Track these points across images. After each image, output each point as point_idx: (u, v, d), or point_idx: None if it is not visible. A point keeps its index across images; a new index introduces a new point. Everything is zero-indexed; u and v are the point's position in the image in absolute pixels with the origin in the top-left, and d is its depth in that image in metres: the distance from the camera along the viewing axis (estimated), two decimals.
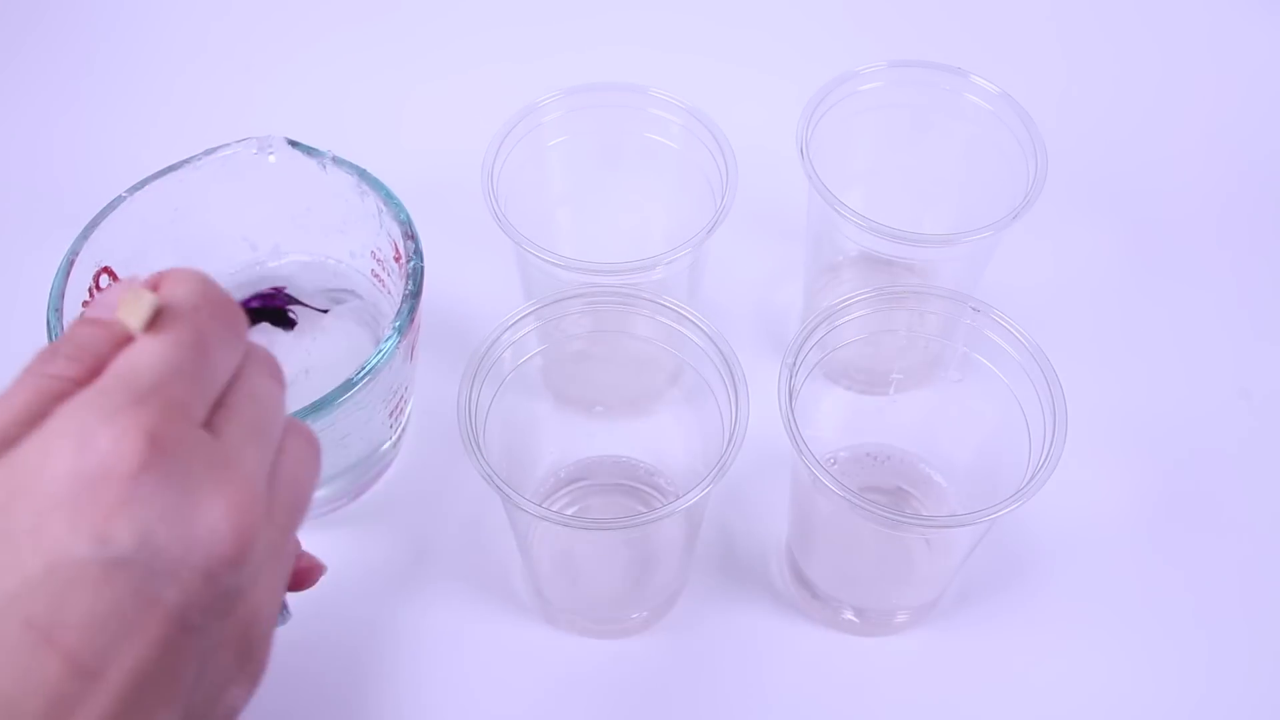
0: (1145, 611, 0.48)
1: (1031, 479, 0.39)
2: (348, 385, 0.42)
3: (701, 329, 0.43)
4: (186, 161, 0.48)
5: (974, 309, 0.43)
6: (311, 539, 0.50)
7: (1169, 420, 0.54)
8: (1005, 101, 0.50)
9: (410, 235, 0.47)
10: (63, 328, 0.44)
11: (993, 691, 0.46)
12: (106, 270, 0.47)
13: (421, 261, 0.46)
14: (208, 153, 0.49)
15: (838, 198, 0.47)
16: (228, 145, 0.48)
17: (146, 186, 0.48)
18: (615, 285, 0.45)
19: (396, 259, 0.48)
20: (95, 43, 0.70)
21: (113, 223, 0.47)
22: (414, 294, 0.45)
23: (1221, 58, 0.70)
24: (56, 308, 0.45)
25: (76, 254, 0.46)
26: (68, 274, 0.45)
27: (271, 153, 0.48)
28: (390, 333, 0.44)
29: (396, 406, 0.48)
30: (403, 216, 0.47)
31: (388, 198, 0.48)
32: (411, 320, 0.45)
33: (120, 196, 0.47)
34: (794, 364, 0.42)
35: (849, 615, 0.47)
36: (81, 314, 0.45)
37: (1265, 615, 0.48)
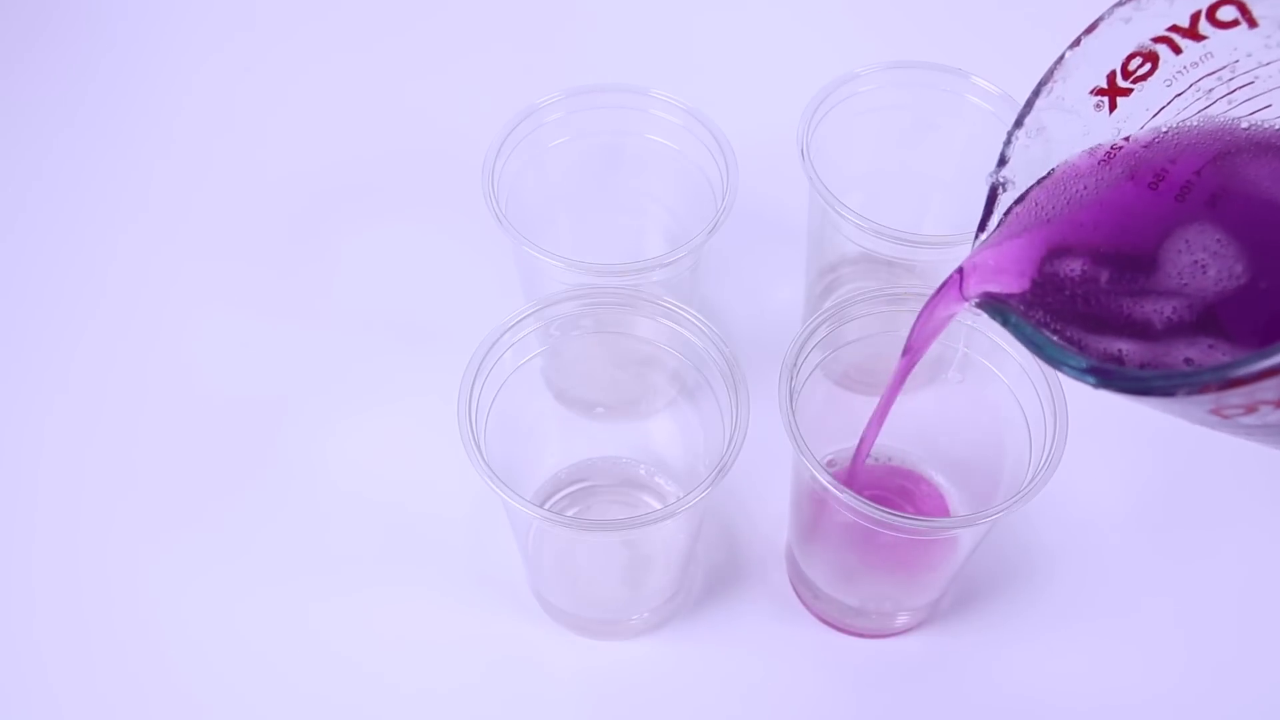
0: (1146, 613, 0.48)
1: (1032, 480, 0.39)
2: None
3: (702, 330, 0.43)
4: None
5: (974, 310, 0.43)
6: (314, 540, 0.50)
7: (1171, 421, 0.54)
8: (1006, 102, 0.50)
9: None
10: None
11: (994, 692, 0.46)
12: None
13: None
14: None
15: (838, 199, 0.47)
16: None
17: None
18: (616, 286, 0.45)
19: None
20: (100, 47, 0.70)
21: None
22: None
23: None
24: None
25: None
26: None
27: None
28: None
29: None
30: None
31: None
32: None
33: None
34: (795, 365, 0.41)
35: (849, 616, 0.47)
36: None
37: (1268, 616, 0.48)
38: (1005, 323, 0.31)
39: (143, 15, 0.71)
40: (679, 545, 0.46)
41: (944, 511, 0.48)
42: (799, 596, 0.49)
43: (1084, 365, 0.28)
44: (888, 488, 0.49)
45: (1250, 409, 0.25)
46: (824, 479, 0.38)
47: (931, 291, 0.42)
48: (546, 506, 0.49)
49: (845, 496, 0.38)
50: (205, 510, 0.51)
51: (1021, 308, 0.31)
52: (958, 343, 0.45)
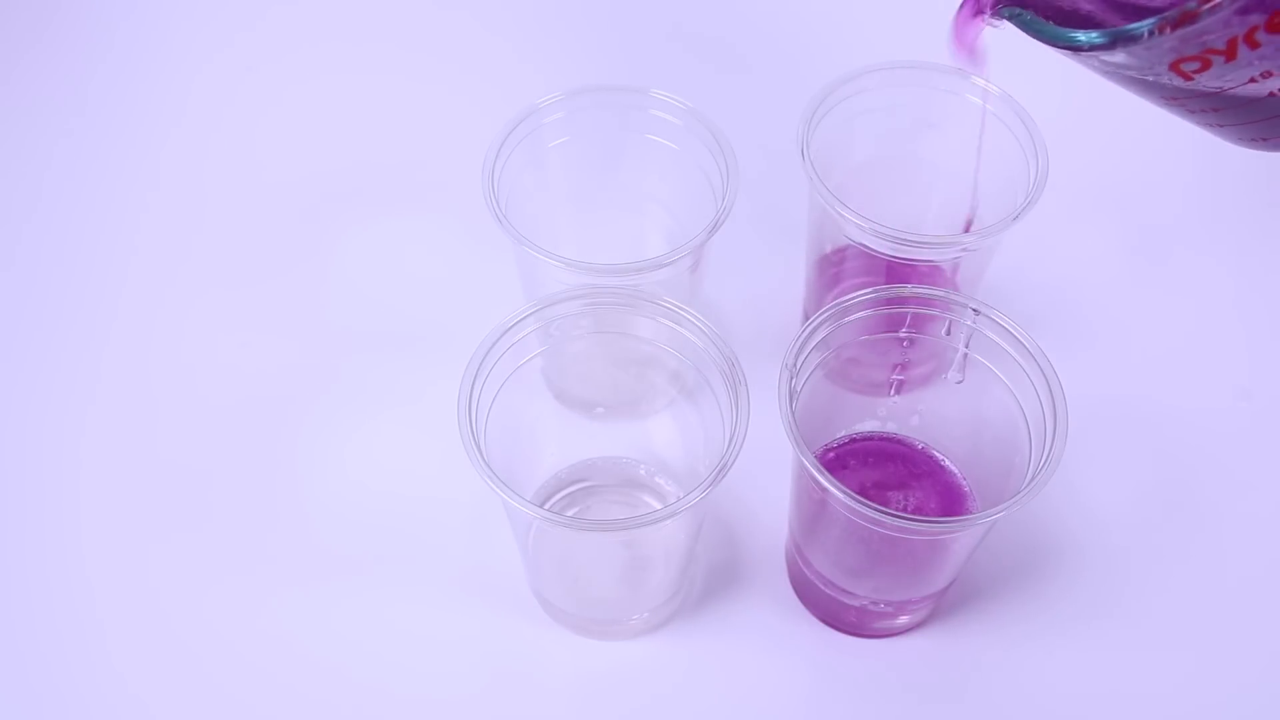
0: (1146, 613, 0.48)
1: (1032, 480, 0.39)
2: None
3: (702, 330, 0.43)
4: None
5: (974, 310, 0.43)
6: (314, 541, 0.50)
7: (1170, 421, 0.54)
8: (1006, 102, 0.50)
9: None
10: None
11: (995, 693, 0.46)
12: None
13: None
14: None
15: (838, 199, 0.47)
16: None
17: None
18: (616, 286, 0.45)
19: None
20: (101, 48, 0.70)
21: None
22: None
23: None
24: None
25: None
26: None
27: None
28: None
29: None
30: None
31: None
32: None
33: None
34: (795, 365, 0.41)
35: (850, 616, 0.47)
36: None
37: (1268, 615, 0.48)
38: (1016, 18, 0.37)
39: (144, 15, 0.71)
40: (679, 545, 0.46)
41: (957, 489, 0.48)
42: (799, 596, 0.49)
43: (1092, 35, 0.32)
44: (896, 463, 0.49)
45: (1205, 62, 0.30)
46: (824, 479, 0.39)
47: (932, 292, 0.42)
48: (546, 506, 0.49)
49: (845, 496, 0.38)
50: (204, 512, 0.51)
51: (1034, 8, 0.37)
52: (958, 343, 0.45)
